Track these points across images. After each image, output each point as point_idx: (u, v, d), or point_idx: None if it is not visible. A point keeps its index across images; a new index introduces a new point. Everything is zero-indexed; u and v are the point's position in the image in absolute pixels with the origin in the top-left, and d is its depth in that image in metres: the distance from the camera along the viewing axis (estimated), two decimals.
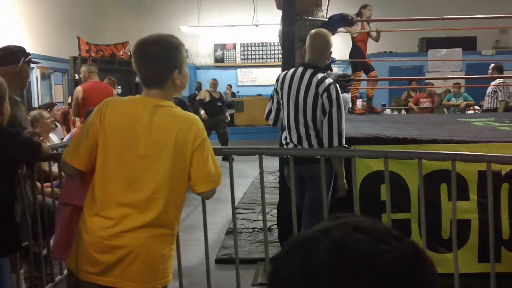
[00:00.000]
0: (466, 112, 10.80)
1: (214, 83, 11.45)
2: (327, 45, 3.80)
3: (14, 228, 2.95)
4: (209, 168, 2.33)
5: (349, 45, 7.97)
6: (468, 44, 13.90)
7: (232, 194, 3.38)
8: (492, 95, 9.25)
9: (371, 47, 11.27)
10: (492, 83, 9.32)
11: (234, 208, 3.45)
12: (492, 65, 9.22)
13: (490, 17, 6.49)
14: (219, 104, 11.51)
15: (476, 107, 11.34)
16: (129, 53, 14.30)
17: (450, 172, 3.12)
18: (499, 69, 8.95)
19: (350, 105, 8.50)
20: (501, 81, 9.05)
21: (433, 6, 14.05)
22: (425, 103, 11.40)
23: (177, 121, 2.27)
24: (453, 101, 11.14)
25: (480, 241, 3.70)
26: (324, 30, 3.91)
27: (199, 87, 12.74)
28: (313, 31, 3.92)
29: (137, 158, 2.24)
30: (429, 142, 4.04)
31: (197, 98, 11.45)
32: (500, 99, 9.11)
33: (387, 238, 0.69)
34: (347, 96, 11.05)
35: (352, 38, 8.06)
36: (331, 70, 5.54)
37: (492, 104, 9.23)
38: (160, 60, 2.28)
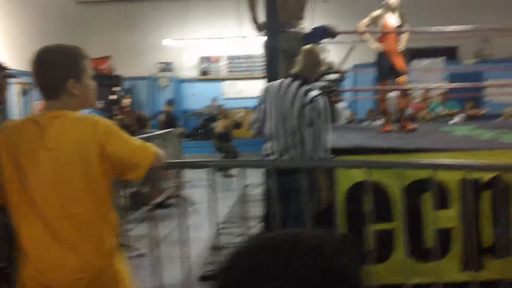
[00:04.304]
0: (452, 120, 10.88)
1: None
2: (319, 63, 3.87)
3: None
4: (134, 143, 2.19)
5: (333, 54, 7.87)
6: (449, 53, 14.04)
7: (214, 208, 3.34)
8: None
9: (358, 58, 11.32)
10: None
11: (217, 222, 3.42)
12: None
13: (471, 28, 6.53)
14: None
15: (462, 115, 11.43)
16: (111, 67, 14.29)
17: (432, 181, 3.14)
18: None
19: (343, 117, 8.24)
20: None
21: (414, 16, 14.17)
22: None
23: (74, 125, 2.10)
24: (438, 110, 11.19)
25: (463, 249, 3.72)
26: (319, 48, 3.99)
27: None
28: (307, 46, 3.98)
29: (41, 182, 2.06)
30: (412, 151, 4.07)
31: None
32: None
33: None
34: (341, 107, 11.01)
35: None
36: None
37: None
38: (53, 67, 2.12)
